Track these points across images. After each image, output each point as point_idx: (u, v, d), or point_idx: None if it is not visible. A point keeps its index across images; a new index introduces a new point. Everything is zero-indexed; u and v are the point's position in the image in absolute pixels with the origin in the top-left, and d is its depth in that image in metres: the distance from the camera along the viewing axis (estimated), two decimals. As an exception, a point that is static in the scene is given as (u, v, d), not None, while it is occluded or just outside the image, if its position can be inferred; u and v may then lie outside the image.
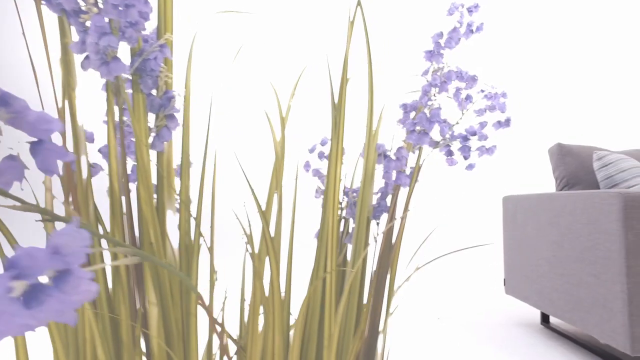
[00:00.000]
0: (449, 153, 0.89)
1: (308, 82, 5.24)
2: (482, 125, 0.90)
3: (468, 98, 0.90)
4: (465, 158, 0.89)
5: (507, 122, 0.88)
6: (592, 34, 5.14)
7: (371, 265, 0.78)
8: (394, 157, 0.76)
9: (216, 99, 5.22)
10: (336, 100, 0.77)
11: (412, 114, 0.87)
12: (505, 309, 2.35)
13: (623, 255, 1.24)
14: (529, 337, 1.82)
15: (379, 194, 0.80)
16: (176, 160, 4.95)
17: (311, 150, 0.89)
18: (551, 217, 1.62)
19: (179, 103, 0.69)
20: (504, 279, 2.09)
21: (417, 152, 0.84)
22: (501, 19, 5.18)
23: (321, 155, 0.96)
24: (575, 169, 1.79)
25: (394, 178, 0.77)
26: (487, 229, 4.99)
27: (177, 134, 5.25)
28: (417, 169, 0.82)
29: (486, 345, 1.74)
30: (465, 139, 0.83)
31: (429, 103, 0.77)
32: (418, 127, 0.78)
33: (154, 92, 0.69)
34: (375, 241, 0.80)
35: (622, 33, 5.14)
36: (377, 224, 0.79)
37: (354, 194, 0.85)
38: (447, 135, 0.85)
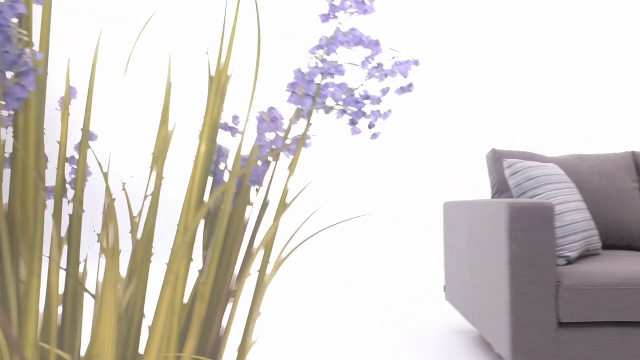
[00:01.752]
0: (352, 122, 0.85)
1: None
2: (384, 91, 0.86)
3: (379, 65, 0.86)
4: (370, 127, 0.85)
5: (409, 87, 0.84)
6: (541, 37, 5.03)
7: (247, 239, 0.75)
8: (267, 119, 0.72)
9: (125, 72, 5.23)
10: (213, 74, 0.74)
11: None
12: (448, 315, 2.30)
13: (507, 266, 1.22)
14: (461, 346, 1.77)
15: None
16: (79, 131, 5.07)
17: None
18: (469, 225, 1.63)
19: (39, 62, 0.67)
20: (444, 286, 2.06)
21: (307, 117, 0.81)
22: (451, 26, 5.10)
23: (225, 127, 0.93)
24: (505, 175, 1.75)
25: (270, 141, 0.74)
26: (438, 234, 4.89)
27: (81, 104, 5.29)
28: (304, 133, 0.78)
29: (410, 352, 1.70)
30: (357, 102, 0.79)
31: (309, 62, 0.74)
32: (297, 89, 0.74)
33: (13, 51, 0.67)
34: (251, 205, 0.76)
35: (572, 36, 5.01)
36: (257, 190, 0.76)
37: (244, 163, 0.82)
38: (340, 101, 0.81)
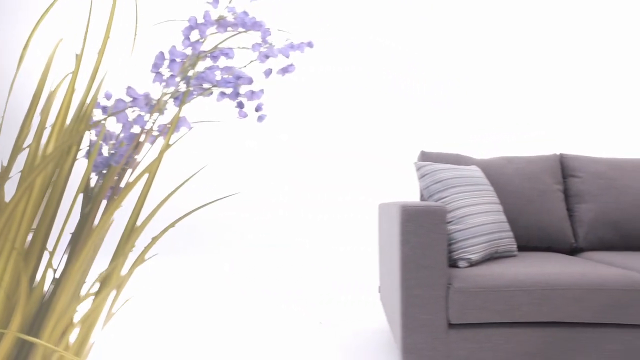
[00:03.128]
0: (240, 105, 0.85)
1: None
2: (267, 72, 0.86)
3: (271, 47, 0.87)
4: (257, 110, 0.86)
5: (289, 68, 0.85)
6: (491, 38, 5.19)
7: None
8: (127, 99, 0.71)
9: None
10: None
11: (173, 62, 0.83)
12: (382, 315, 2.29)
13: (400, 268, 1.23)
14: (378, 346, 1.76)
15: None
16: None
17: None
18: (386, 227, 1.64)
19: None
20: (379, 286, 2.06)
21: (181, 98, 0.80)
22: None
23: (101, 107, 0.92)
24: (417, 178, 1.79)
25: (131, 120, 0.72)
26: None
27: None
28: (176, 116, 0.78)
29: (328, 351, 1.69)
30: (227, 82, 0.79)
31: (185, 44, 0.73)
32: (161, 69, 0.73)
33: None
34: (114, 188, 0.75)
35: (503, 36, 5.18)
36: (123, 170, 0.74)
37: (113, 142, 0.80)
38: (214, 83, 0.81)
